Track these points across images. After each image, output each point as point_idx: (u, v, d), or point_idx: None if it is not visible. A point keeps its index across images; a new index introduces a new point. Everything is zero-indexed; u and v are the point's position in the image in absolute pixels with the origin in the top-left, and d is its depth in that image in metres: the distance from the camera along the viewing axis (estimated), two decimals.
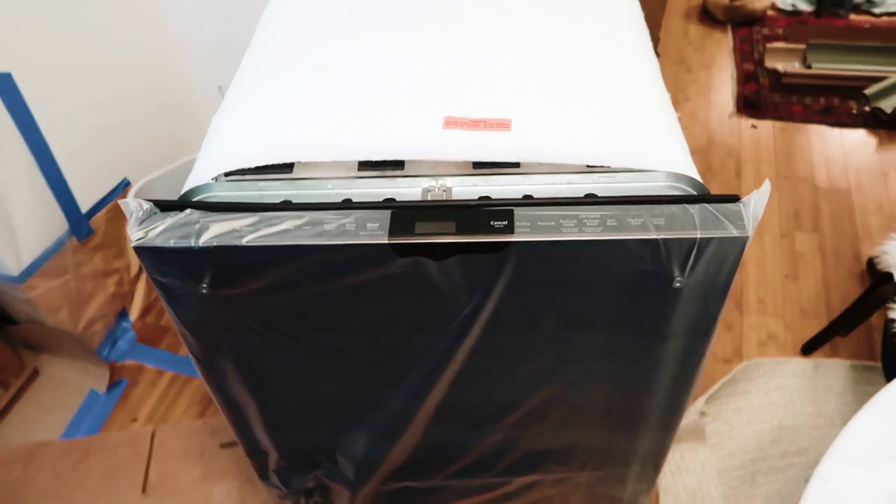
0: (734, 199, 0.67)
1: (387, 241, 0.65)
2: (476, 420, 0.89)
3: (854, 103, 2.20)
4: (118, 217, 1.59)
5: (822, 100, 2.23)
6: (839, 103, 2.21)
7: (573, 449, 0.95)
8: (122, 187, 1.61)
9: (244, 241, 0.65)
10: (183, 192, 0.74)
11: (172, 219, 0.67)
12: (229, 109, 0.83)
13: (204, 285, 0.69)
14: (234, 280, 0.69)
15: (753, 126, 2.16)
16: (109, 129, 1.57)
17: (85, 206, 1.52)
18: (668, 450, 0.95)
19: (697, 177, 0.73)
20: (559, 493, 1.04)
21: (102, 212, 1.56)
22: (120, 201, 0.67)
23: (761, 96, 2.26)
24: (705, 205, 0.66)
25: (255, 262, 0.67)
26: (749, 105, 2.22)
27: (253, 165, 0.74)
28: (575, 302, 0.71)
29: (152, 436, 1.47)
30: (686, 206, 0.66)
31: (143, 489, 1.38)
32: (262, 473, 1.01)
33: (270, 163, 0.74)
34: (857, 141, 2.09)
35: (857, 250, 1.75)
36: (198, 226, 0.66)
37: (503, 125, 0.74)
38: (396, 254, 0.66)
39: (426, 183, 0.73)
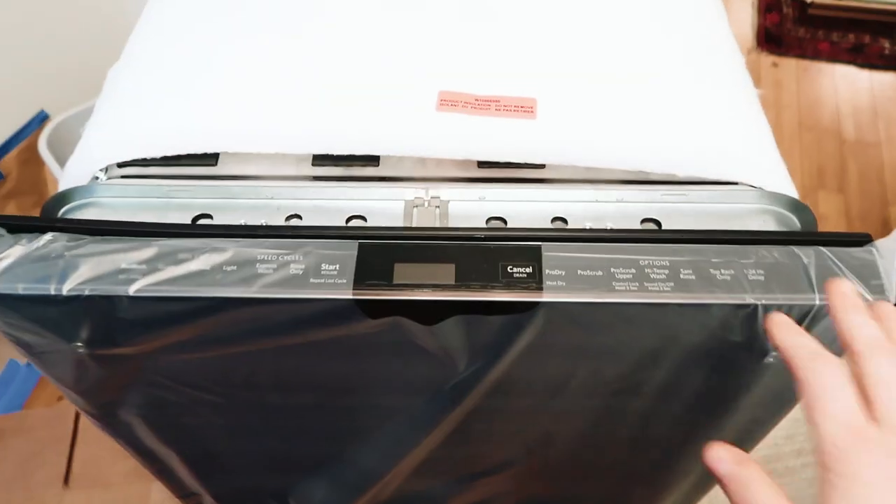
0: (863, 240, 0.46)
1: (351, 297, 0.43)
2: (465, 475, 0.70)
3: (887, 42, 1.96)
4: (35, 158, 1.33)
5: (851, 36, 1.98)
6: (870, 41, 1.97)
7: (580, 499, 0.77)
8: (39, 121, 1.34)
9: (133, 290, 0.43)
10: (51, 197, 0.50)
11: (24, 248, 0.44)
12: (132, 64, 0.58)
13: (78, 344, 0.47)
14: (124, 338, 0.46)
15: (774, 64, 1.91)
16: (22, 49, 1.28)
17: None
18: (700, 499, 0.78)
19: (796, 194, 0.52)
20: None
21: (14, 152, 1.30)
22: None
23: (784, 29, 2.00)
24: (822, 248, 0.45)
25: (153, 318, 0.45)
26: (770, 39, 1.97)
27: (159, 155, 0.51)
28: (617, 372, 0.51)
29: (77, 416, 1.27)
30: (794, 249, 0.45)
31: (66, 481, 1.20)
32: None
33: (185, 152, 0.51)
34: (888, 86, 1.86)
35: (886, 216, 1.57)
36: (62, 261, 0.43)
37: (524, 108, 0.51)
38: (365, 314, 0.44)
39: (410, 192, 0.50)
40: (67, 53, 1.39)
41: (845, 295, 0.38)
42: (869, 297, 0.43)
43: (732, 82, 0.57)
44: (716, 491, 0.93)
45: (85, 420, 1.27)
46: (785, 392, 0.53)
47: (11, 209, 1.31)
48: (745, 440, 0.61)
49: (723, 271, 0.44)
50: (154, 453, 0.65)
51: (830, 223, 1.54)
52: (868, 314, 0.36)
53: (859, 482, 0.29)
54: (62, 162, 1.21)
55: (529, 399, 0.54)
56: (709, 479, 0.70)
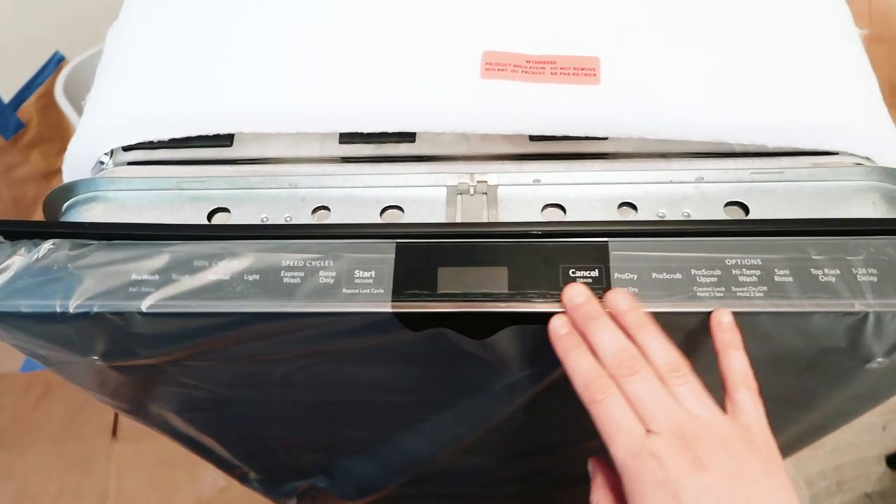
0: None
1: (390, 310, 0.37)
2: (517, 454, 0.66)
3: None
4: (55, 103, 1.27)
5: None
6: None
7: None
8: (55, 64, 1.28)
9: (146, 306, 0.38)
10: (53, 191, 0.45)
11: (24, 258, 0.40)
12: (133, 28, 0.52)
13: (94, 357, 0.43)
14: (142, 350, 0.42)
15: None
16: None
17: (7, 94, 1.20)
18: None
19: None
20: None
21: (32, 98, 1.25)
22: None
23: None
24: None
25: (171, 332, 0.40)
26: None
27: (167, 137, 0.45)
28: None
29: None
30: None
31: (114, 433, 1.21)
32: (242, 480, 0.81)
33: (197, 133, 0.45)
34: None
35: None
36: (66, 276, 0.39)
37: (586, 71, 0.43)
38: (407, 326, 0.39)
39: (452, 176, 0.43)
40: None
41: (578, 307, 0.36)
42: None
43: (828, 23, 0.48)
44: None
45: None
46: (874, 393, 0.47)
47: (36, 158, 1.27)
48: (828, 427, 0.55)
49: (826, 271, 0.37)
50: (192, 438, 0.62)
51: None
52: (607, 321, 0.36)
53: (644, 497, 0.33)
54: (80, 108, 1.15)
55: None
56: None
